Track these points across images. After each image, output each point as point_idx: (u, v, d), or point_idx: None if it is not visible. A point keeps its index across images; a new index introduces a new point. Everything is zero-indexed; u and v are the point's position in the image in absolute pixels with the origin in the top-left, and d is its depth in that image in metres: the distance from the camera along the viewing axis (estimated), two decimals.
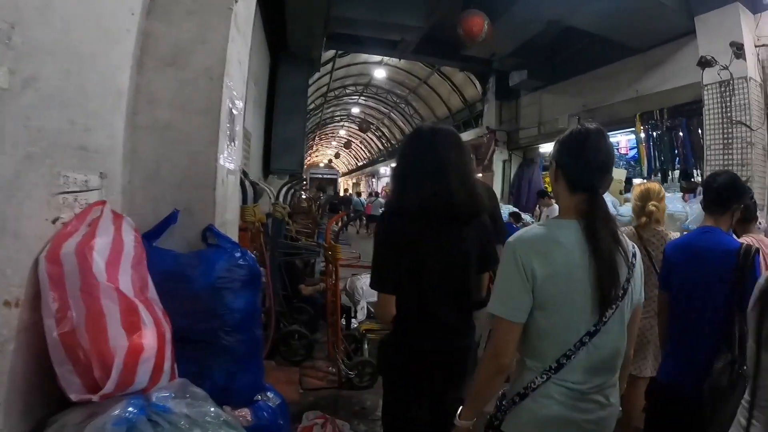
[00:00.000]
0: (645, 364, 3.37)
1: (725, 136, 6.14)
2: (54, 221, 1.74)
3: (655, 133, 7.74)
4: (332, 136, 37.24)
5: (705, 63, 6.40)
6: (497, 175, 12.65)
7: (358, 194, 28.53)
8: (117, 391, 1.66)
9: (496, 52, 10.06)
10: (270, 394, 2.44)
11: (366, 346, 4.95)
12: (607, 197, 6.60)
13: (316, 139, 34.37)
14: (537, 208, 10.43)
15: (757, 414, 1.07)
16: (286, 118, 8.91)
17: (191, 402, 1.81)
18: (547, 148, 11.74)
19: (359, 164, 40.35)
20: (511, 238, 1.68)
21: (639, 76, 8.24)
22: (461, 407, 1.76)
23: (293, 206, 8.89)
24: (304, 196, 12.06)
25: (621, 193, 9.13)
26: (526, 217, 10.02)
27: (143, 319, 1.80)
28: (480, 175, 13.52)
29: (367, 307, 5.59)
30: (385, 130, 28.02)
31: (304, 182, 10.22)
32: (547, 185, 11.60)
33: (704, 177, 6.37)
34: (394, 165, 2.61)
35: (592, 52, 8.99)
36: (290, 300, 5.44)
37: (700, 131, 6.91)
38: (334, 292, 4.55)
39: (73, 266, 1.69)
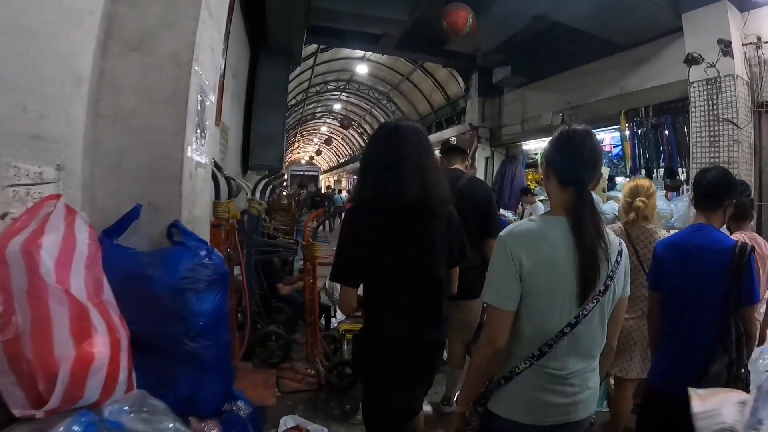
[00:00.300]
0: (631, 365, 3.27)
1: (712, 133, 6.08)
2: (2, 216, 1.60)
3: (640, 131, 7.67)
4: (314, 133, 37.01)
5: (692, 60, 6.34)
6: (480, 172, 12.52)
7: (339, 191, 28.34)
8: (64, 405, 1.51)
9: (480, 47, 9.92)
10: (241, 403, 2.28)
11: (345, 347, 4.79)
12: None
13: (298, 135, 34.06)
14: (520, 206, 10.35)
15: None
16: (265, 113, 8.74)
17: (149, 417, 1.65)
18: (530, 145, 11.68)
19: (341, 161, 40.13)
20: (502, 232, 1.79)
21: (624, 73, 8.16)
22: (457, 393, 1.94)
23: (272, 203, 8.72)
24: (285, 193, 11.88)
25: (604, 191, 9.10)
26: (508, 214, 9.94)
27: (95, 325, 1.63)
28: (473, 169, 13.49)
29: None
30: (366, 126, 27.85)
31: (284, 178, 9.98)
32: (530, 182, 11.54)
33: (690, 175, 6.33)
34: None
35: (577, 49, 8.87)
36: (268, 299, 5.26)
37: (685, 129, 6.85)
38: (312, 291, 4.38)
39: (20, 266, 1.53)
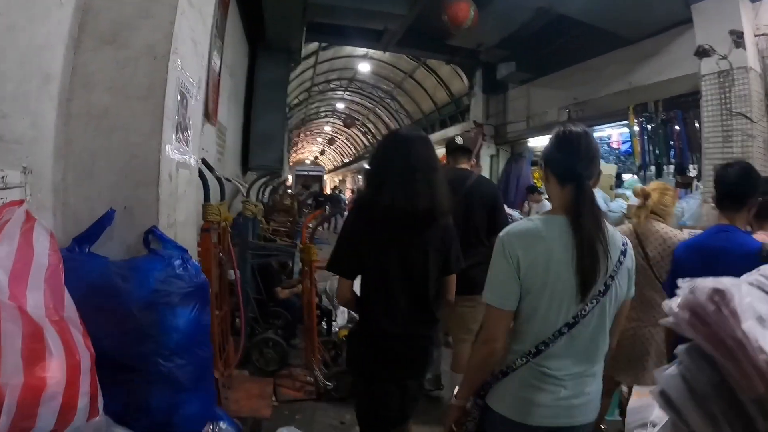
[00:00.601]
0: (646, 374, 3.07)
1: (725, 128, 5.86)
2: None
3: (649, 126, 7.44)
4: (317, 133, 36.82)
5: (703, 53, 6.12)
6: (485, 170, 12.31)
7: (339, 191, 28.15)
8: None
9: (483, 42, 9.73)
10: (223, 424, 2.10)
11: (345, 354, 4.61)
12: (598, 193, 6.35)
13: (301, 135, 33.89)
14: (526, 204, 10.12)
15: None
16: (264, 112, 8.62)
17: None
18: (536, 142, 11.42)
19: (345, 161, 39.93)
20: (501, 232, 1.80)
21: (632, 67, 7.93)
22: (457, 387, 1.95)
23: (274, 203, 8.56)
24: (290, 192, 11.72)
25: (612, 188, 8.90)
26: (514, 213, 9.72)
27: (49, 347, 1.45)
28: (478, 168, 13.27)
29: (348, 311, 5.23)
30: (370, 125, 27.66)
31: (283, 178, 9.82)
32: (536, 181, 11.31)
33: (702, 171, 6.11)
34: (367, 163, 2.82)
35: (583, 43, 8.65)
36: (265, 304, 5.08)
37: (697, 124, 6.62)
38: (309, 296, 4.20)
39: None
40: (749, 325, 0.83)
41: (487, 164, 12.40)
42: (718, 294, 0.90)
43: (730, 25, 5.86)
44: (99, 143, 2.16)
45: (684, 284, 1.06)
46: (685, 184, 6.96)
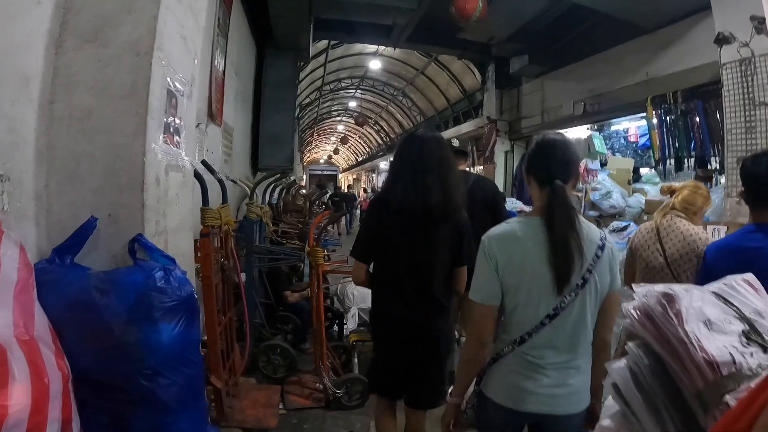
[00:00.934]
0: None
1: (748, 118, 5.56)
2: None
3: (668, 118, 7.14)
4: (330, 132, 36.76)
5: (723, 40, 5.84)
6: (499, 167, 12.12)
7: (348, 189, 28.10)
8: None
9: (494, 35, 9.51)
10: None
11: (356, 359, 4.46)
12: (615, 188, 6.21)
13: (314, 135, 33.84)
14: None
15: None
16: (273, 112, 8.51)
17: None
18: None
19: (359, 159, 39.83)
20: (483, 236, 1.95)
21: (650, 57, 7.65)
22: (451, 386, 2.07)
23: (285, 204, 8.45)
24: (303, 192, 11.61)
25: (629, 183, 8.65)
26: (528, 210, 9.53)
27: (12, 372, 1.32)
28: (482, 167, 13.08)
29: (359, 314, 5.08)
30: (383, 123, 27.52)
31: (293, 178, 9.69)
32: None
33: (725, 163, 5.86)
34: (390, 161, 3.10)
35: (598, 33, 8.42)
36: (274, 309, 4.95)
37: (718, 114, 6.35)
38: (317, 302, 4.06)
39: None
40: (692, 327, 0.90)
41: (501, 161, 12.19)
42: (666, 297, 0.96)
43: (750, 11, 5.55)
44: (82, 146, 2.04)
45: (638, 289, 1.10)
46: (706, 177, 6.70)
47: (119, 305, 1.64)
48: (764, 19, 5.53)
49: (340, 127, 34.11)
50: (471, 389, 2.03)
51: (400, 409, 2.86)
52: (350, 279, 5.03)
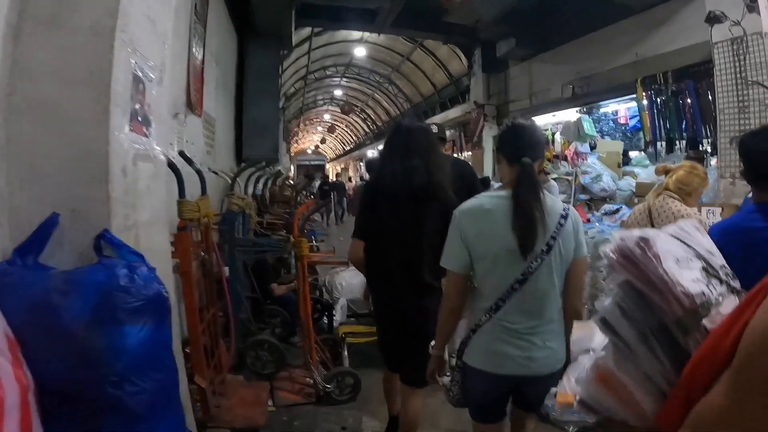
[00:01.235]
0: None
1: (740, 98, 5.48)
2: None
3: (659, 99, 7.06)
4: (317, 122, 36.46)
5: (714, 19, 5.74)
6: (487, 152, 12.02)
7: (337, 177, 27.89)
8: None
9: (480, 18, 9.34)
10: None
11: (346, 352, 4.34)
12: (606, 171, 6.18)
13: (301, 125, 33.52)
14: None
15: None
16: (257, 101, 8.35)
17: None
18: (540, 120, 11.02)
19: (346, 149, 39.59)
20: (456, 209, 2.16)
21: (639, 37, 7.55)
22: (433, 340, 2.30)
23: (272, 195, 8.29)
24: (289, 182, 11.44)
25: (619, 165, 8.56)
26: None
27: None
28: (470, 153, 12.98)
29: (348, 305, 4.95)
30: (369, 111, 27.32)
31: (278, 168, 9.51)
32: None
33: (718, 144, 5.77)
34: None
35: (586, 15, 8.29)
36: (260, 303, 4.81)
37: (710, 95, 6.27)
38: (304, 294, 3.92)
39: None
40: (669, 265, 1.02)
41: (489, 146, 12.08)
42: (643, 241, 1.06)
43: None
44: (44, 139, 1.87)
45: (616, 233, 1.20)
46: (697, 159, 6.59)
47: (81, 307, 1.49)
48: None
49: (327, 117, 33.83)
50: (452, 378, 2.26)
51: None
52: (338, 270, 4.92)
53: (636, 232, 1.10)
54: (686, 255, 1.10)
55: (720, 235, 2.15)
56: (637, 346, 1.05)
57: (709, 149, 6.62)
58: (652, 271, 1.03)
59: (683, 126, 6.78)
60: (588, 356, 1.29)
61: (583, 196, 8.09)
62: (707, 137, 6.45)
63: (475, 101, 12.36)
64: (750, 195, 4.65)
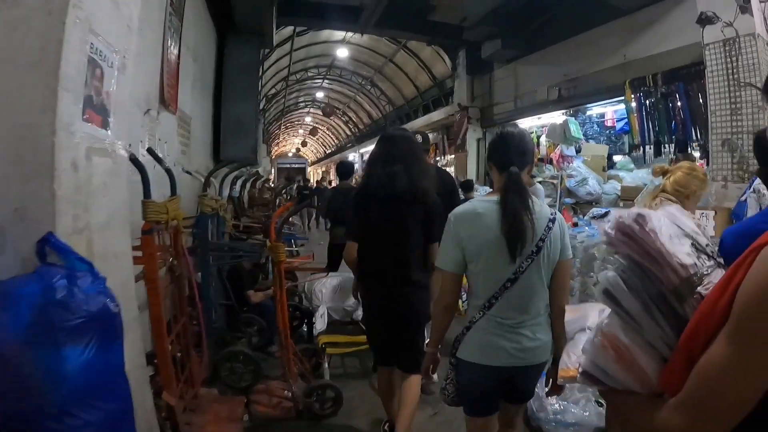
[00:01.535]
0: None
1: (732, 100, 5.38)
2: None
3: (648, 101, 6.94)
4: (298, 124, 36.11)
5: (706, 20, 5.64)
6: (471, 154, 11.87)
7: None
8: None
9: (466, 16, 9.18)
10: None
11: (327, 364, 4.10)
12: (591, 174, 6.23)
13: (282, 127, 33.14)
14: None
15: None
16: (236, 100, 8.09)
17: None
18: (525, 123, 10.91)
19: (328, 151, 39.27)
20: (450, 213, 2.28)
21: (627, 39, 7.46)
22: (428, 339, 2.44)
23: (251, 198, 8.03)
24: (269, 185, 11.18)
25: (604, 169, 8.48)
26: (482, 189, 9.30)
27: None
28: (452, 156, 12.82)
29: (328, 313, 4.70)
30: (351, 114, 27.09)
31: (254, 169, 9.22)
32: None
33: (710, 146, 5.67)
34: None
35: (574, 16, 8.23)
36: (235, 311, 4.54)
37: (700, 97, 6.17)
38: (281, 303, 3.66)
39: None
40: (665, 239, 1.09)
41: (474, 149, 11.93)
42: (641, 217, 1.13)
43: None
44: None
45: (613, 212, 1.40)
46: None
47: (11, 326, 1.24)
48: None
49: (308, 119, 33.51)
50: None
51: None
52: (318, 276, 4.67)
53: (633, 209, 1.17)
54: (677, 232, 1.15)
55: (735, 238, 1.98)
56: (638, 314, 1.10)
57: (698, 153, 6.52)
58: (650, 244, 1.09)
59: (673, 128, 6.66)
60: (585, 334, 1.37)
61: (568, 200, 7.98)
62: (698, 140, 6.34)
63: (459, 103, 12.22)
64: (743, 198, 4.58)
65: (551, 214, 2.23)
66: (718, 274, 1.07)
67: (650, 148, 7.00)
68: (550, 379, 2.34)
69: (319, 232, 15.92)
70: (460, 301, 5.06)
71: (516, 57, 10.33)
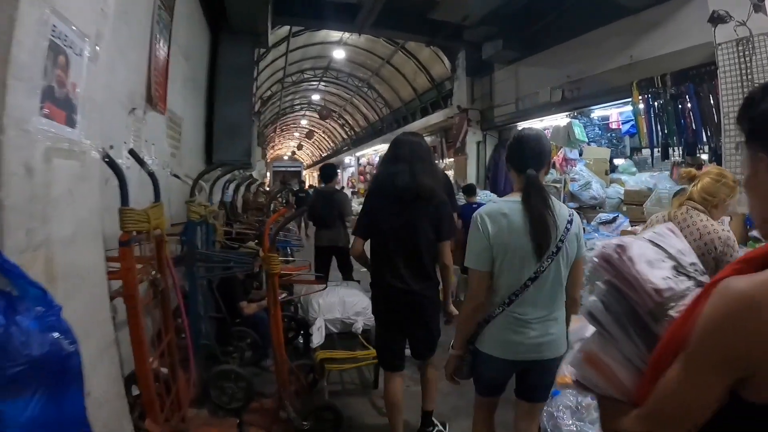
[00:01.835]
0: None
1: None
2: None
3: (656, 103, 6.67)
4: (294, 127, 35.81)
5: (718, 19, 5.43)
6: (471, 158, 11.60)
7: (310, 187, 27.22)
8: None
9: (468, 14, 8.91)
10: None
11: (326, 382, 3.83)
12: (594, 178, 6.19)
13: (277, 130, 32.83)
14: None
15: None
16: (229, 101, 7.87)
17: None
18: (526, 125, 10.67)
19: (323, 155, 38.99)
20: (476, 212, 2.39)
21: (634, 39, 7.21)
22: (453, 340, 2.50)
23: (245, 202, 7.75)
24: (264, 189, 10.92)
25: (606, 173, 8.28)
26: (483, 193, 9.05)
27: None
28: (451, 159, 12.58)
29: (326, 325, 4.41)
30: (348, 117, 26.83)
31: (248, 173, 8.94)
32: None
33: (722, 149, 5.45)
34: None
35: (578, 15, 7.98)
36: (227, 324, 4.25)
37: (712, 98, 5.93)
38: (275, 317, 3.38)
39: None
40: (641, 267, 1.19)
41: (473, 152, 11.68)
42: (620, 247, 1.24)
43: None
44: None
45: (598, 242, 1.40)
46: (697, 166, 6.27)
47: None
48: None
49: (304, 122, 33.21)
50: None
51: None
52: (315, 288, 4.39)
53: (614, 240, 1.28)
54: (658, 256, 1.24)
55: None
56: (617, 333, 1.20)
57: (706, 156, 6.29)
58: (627, 271, 1.19)
59: (683, 131, 6.41)
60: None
61: (572, 204, 7.75)
62: (709, 143, 6.10)
63: (458, 105, 11.96)
64: None
65: (569, 215, 2.34)
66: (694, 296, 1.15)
67: (658, 151, 6.75)
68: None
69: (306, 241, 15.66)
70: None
71: (517, 58, 10.06)
